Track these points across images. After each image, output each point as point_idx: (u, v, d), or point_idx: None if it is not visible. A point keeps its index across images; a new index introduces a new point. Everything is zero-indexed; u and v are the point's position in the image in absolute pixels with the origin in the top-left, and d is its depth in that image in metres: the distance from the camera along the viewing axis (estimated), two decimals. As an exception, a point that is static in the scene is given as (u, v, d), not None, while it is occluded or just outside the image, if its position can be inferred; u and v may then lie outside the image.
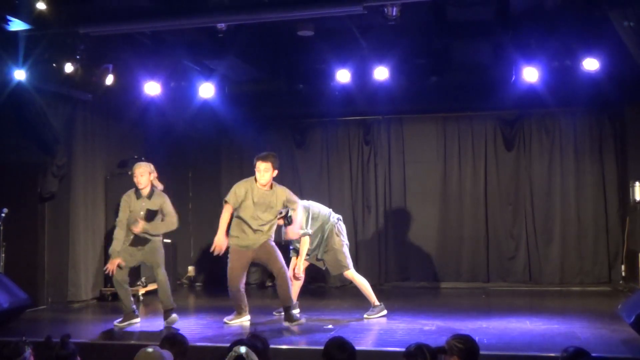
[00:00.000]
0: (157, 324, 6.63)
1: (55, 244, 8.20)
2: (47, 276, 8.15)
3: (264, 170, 6.48)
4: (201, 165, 10.33)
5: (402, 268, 9.60)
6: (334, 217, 7.16)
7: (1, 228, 7.33)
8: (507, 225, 9.37)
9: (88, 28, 6.59)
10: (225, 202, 6.60)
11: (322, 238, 7.06)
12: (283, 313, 6.72)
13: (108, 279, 8.66)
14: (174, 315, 6.56)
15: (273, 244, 6.65)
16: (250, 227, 6.51)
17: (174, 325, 6.50)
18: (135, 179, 6.68)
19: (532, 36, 7.32)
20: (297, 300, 7.28)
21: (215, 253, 6.61)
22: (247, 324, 6.66)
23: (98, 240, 8.68)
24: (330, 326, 6.49)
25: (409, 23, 6.60)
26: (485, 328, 6.27)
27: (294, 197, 6.67)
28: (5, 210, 7.29)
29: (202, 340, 5.90)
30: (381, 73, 7.71)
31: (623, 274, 8.92)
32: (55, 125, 7.75)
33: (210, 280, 9.90)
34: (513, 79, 7.77)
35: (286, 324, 6.52)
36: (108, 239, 8.69)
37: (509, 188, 9.40)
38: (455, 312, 7.38)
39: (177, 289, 9.65)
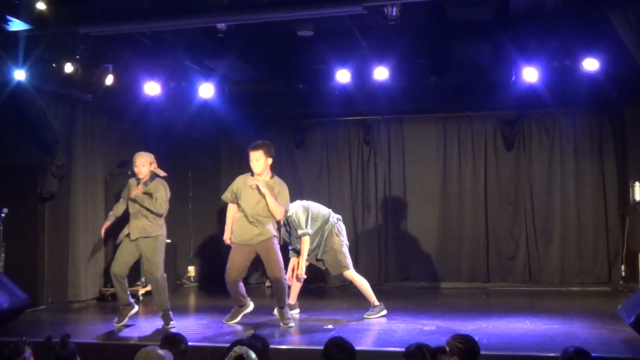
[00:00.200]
0: (157, 324, 6.63)
1: (55, 244, 8.20)
2: (47, 276, 8.15)
3: (256, 159, 6.48)
4: (201, 165, 10.32)
5: (402, 268, 9.61)
6: (334, 217, 7.17)
7: (1, 228, 7.32)
8: (507, 225, 9.37)
9: (88, 28, 6.58)
10: (223, 199, 6.71)
11: (322, 238, 7.07)
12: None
13: (108, 279, 8.68)
14: (172, 323, 6.56)
15: (276, 246, 6.54)
16: (247, 219, 6.49)
17: (173, 326, 6.51)
18: (135, 169, 6.71)
19: (532, 36, 7.32)
20: (297, 300, 7.29)
21: (228, 242, 6.67)
22: (246, 320, 6.63)
23: (98, 240, 8.67)
24: (330, 326, 6.49)
25: (409, 23, 6.60)
26: (485, 328, 6.28)
27: (285, 190, 6.57)
28: (5, 210, 7.28)
29: (202, 340, 5.91)
30: (381, 73, 7.71)
31: (623, 274, 8.92)
32: (55, 125, 7.75)
33: (210, 280, 9.89)
34: (513, 79, 7.77)
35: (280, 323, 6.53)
36: (108, 238, 8.71)
37: (509, 188, 9.40)
38: (455, 312, 7.38)
39: (177, 289, 9.66)
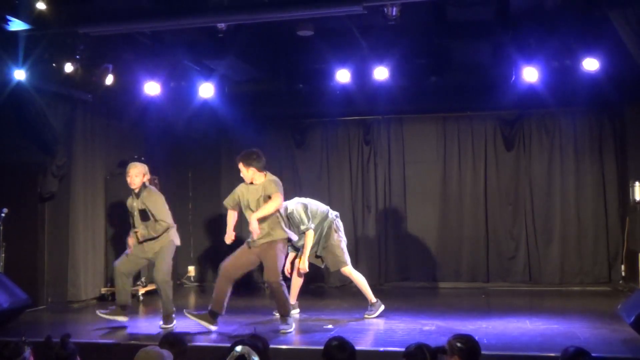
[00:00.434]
0: (156, 324, 6.62)
1: (55, 244, 8.20)
2: (47, 276, 8.15)
3: (240, 171, 6.45)
4: (201, 165, 10.32)
5: (402, 268, 9.61)
6: (332, 213, 7.21)
7: (1, 228, 7.32)
8: (507, 225, 9.37)
9: (88, 28, 6.58)
10: (224, 205, 6.65)
11: (321, 235, 7.09)
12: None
13: (108, 279, 8.70)
14: (171, 325, 6.54)
15: (279, 251, 6.30)
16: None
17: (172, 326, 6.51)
18: (128, 179, 6.61)
19: (532, 36, 7.31)
20: (297, 300, 7.29)
21: (228, 242, 6.49)
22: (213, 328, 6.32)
23: (98, 241, 8.68)
24: (330, 326, 6.49)
25: (409, 23, 6.60)
26: (485, 328, 6.28)
27: (274, 187, 6.33)
28: (5, 210, 7.28)
29: (202, 340, 5.91)
30: (381, 73, 7.71)
31: (623, 274, 8.92)
32: (55, 125, 7.75)
33: (210, 281, 9.90)
34: (513, 79, 7.77)
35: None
36: (108, 238, 8.72)
37: (509, 188, 9.40)
38: (455, 312, 7.38)
39: (177, 289, 9.65)
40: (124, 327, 6.62)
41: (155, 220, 6.54)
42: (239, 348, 3.24)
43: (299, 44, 7.73)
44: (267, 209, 6.22)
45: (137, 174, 6.60)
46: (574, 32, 7.14)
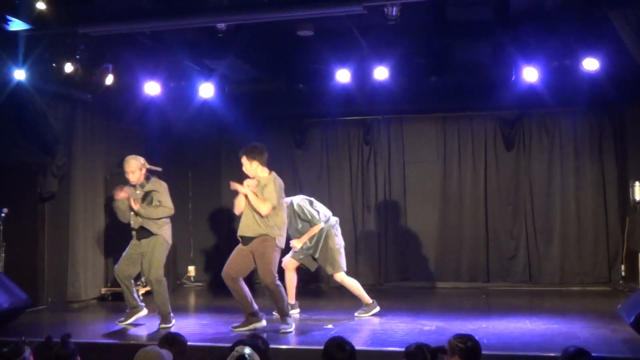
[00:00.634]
0: (156, 324, 6.62)
1: (55, 244, 8.20)
2: (46, 276, 8.15)
3: (243, 164, 6.46)
4: (201, 165, 10.32)
5: (402, 268, 9.60)
6: (333, 219, 7.22)
7: (1, 228, 7.32)
8: (507, 225, 9.37)
9: (88, 28, 6.58)
10: None
11: (320, 237, 7.09)
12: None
13: (108, 279, 8.70)
14: (170, 325, 6.54)
15: (271, 250, 6.24)
16: (250, 213, 6.38)
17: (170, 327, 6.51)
18: (126, 176, 6.68)
19: (532, 36, 7.32)
20: (297, 300, 7.29)
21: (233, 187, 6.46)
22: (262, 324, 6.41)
23: (98, 241, 8.67)
24: (330, 326, 6.49)
25: (409, 23, 6.60)
26: (485, 328, 6.28)
27: (272, 184, 6.31)
28: (5, 210, 7.28)
29: (202, 340, 5.91)
30: (381, 73, 7.72)
31: (623, 274, 8.92)
32: (55, 125, 7.75)
33: (210, 280, 9.91)
34: (513, 79, 7.78)
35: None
36: (108, 238, 8.72)
37: (509, 188, 9.40)
38: (455, 312, 7.39)
39: (177, 289, 9.66)
40: (123, 327, 6.63)
41: (159, 204, 6.60)
42: (239, 348, 3.24)
43: (299, 44, 7.73)
44: (257, 205, 6.21)
45: (133, 170, 6.63)
46: (574, 32, 7.14)
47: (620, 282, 8.90)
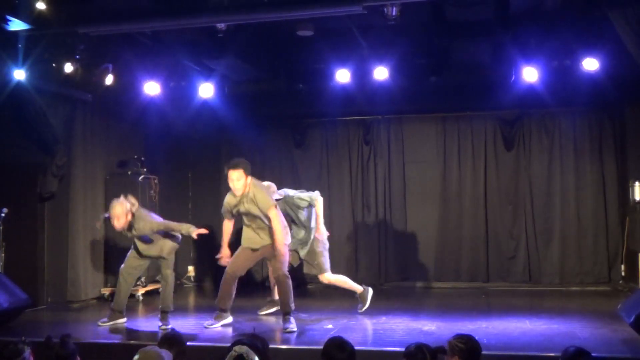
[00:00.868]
0: (156, 324, 6.63)
1: (55, 244, 8.20)
2: (46, 276, 8.15)
3: (236, 179, 6.28)
4: (201, 165, 10.31)
5: (402, 268, 9.60)
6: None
7: (1, 228, 7.33)
8: (507, 225, 9.36)
9: (88, 28, 6.58)
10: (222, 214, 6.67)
11: (308, 237, 7.08)
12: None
13: (108, 279, 8.70)
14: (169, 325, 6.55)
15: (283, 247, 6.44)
16: (252, 229, 6.51)
17: (173, 326, 6.50)
18: (111, 221, 6.57)
19: (532, 36, 7.32)
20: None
21: (221, 263, 6.57)
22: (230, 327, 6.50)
23: (98, 241, 8.67)
24: (330, 326, 6.49)
25: (408, 23, 6.60)
26: (485, 328, 6.28)
27: (261, 192, 6.36)
28: (5, 210, 7.29)
29: (202, 340, 5.91)
30: (381, 73, 7.72)
31: (623, 274, 8.92)
32: (55, 125, 7.75)
33: (210, 280, 9.90)
34: (513, 79, 7.78)
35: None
36: (108, 238, 8.72)
37: (509, 188, 9.40)
38: (455, 312, 7.38)
39: (177, 289, 9.64)
40: (124, 327, 6.63)
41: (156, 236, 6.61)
42: (238, 348, 3.23)
43: (299, 44, 7.73)
44: (279, 239, 6.32)
45: (119, 215, 6.42)
46: (574, 32, 7.14)
47: (620, 282, 8.90)
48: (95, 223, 7.55)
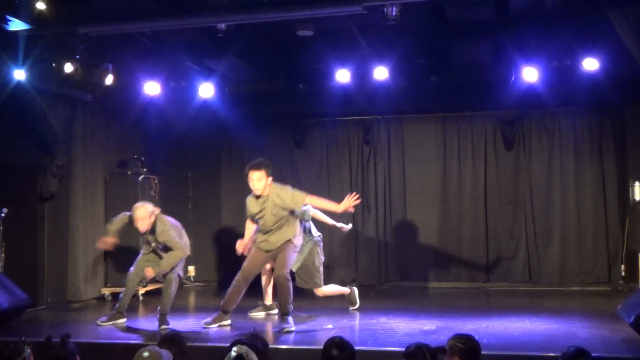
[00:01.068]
0: (156, 324, 6.62)
1: (55, 244, 8.20)
2: (46, 276, 8.15)
3: (257, 179, 6.31)
4: (201, 165, 10.32)
5: (402, 268, 9.60)
6: (317, 233, 7.25)
7: (1, 228, 7.32)
8: (507, 225, 9.37)
9: (88, 28, 6.59)
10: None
11: (306, 251, 7.07)
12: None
13: (108, 279, 8.70)
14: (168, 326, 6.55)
15: (290, 249, 6.47)
16: (266, 231, 6.51)
17: (172, 326, 6.51)
18: (135, 224, 6.60)
19: (532, 36, 7.32)
20: (275, 301, 7.27)
21: (238, 250, 6.60)
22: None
23: (97, 240, 8.66)
24: (330, 326, 6.49)
25: (408, 23, 6.60)
26: (485, 328, 6.27)
27: (286, 191, 6.40)
28: (5, 210, 7.28)
29: (202, 340, 5.91)
30: (381, 73, 7.72)
31: (623, 273, 8.92)
32: (55, 125, 7.75)
33: (210, 280, 9.90)
34: (513, 79, 7.78)
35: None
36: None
37: (508, 188, 9.40)
38: (455, 312, 7.38)
39: (177, 289, 9.63)
40: (124, 327, 6.63)
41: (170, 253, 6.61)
42: (237, 348, 3.23)
43: (299, 44, 7.73)
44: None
45: (144, 217, 6.52)
46: (574, 32, 7.14)
47: (620, 282, 8.90)
48: (97, 242, 7.36)
